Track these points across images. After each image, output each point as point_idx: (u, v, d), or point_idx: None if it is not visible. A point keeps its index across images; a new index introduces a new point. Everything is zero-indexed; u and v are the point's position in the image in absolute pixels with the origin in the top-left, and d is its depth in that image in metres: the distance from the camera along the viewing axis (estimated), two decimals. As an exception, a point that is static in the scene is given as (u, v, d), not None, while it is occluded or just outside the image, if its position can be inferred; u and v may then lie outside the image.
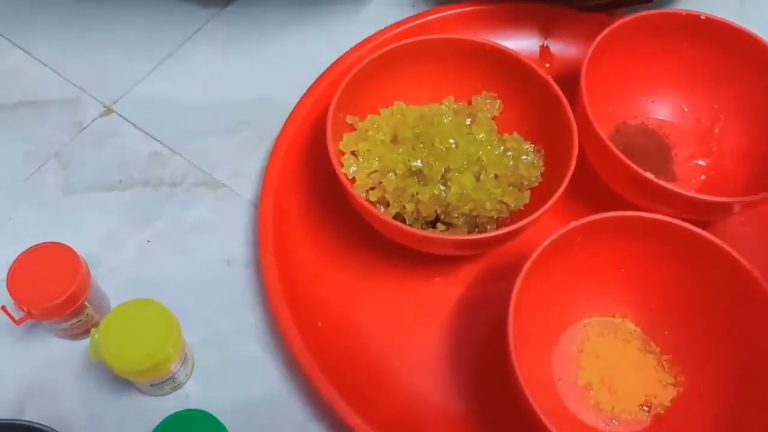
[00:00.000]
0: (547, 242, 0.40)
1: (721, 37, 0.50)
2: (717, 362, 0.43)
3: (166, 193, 0.51)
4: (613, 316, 0.46)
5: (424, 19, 0.56)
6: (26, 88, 0.55)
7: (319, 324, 0.44)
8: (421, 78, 0.49)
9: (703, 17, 0.50)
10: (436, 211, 0.45)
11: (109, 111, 0.54)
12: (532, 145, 0.48)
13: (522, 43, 0.56)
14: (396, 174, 0.46)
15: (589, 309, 0.46)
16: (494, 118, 0.50)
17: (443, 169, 0.45)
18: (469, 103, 0.50)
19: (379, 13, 0.58)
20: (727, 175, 0.51)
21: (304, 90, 0.52)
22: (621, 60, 0.51)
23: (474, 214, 0.45)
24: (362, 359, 0.44)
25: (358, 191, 0.46)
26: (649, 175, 0.44)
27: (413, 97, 0.49)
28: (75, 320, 0.43)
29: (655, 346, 0.45)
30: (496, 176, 0.46)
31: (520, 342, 0.40)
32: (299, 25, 0.58)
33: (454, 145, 0.46)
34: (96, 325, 0.44)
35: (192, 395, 0.44)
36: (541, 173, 0.47)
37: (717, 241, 0.41)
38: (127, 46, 0.57)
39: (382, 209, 0.46)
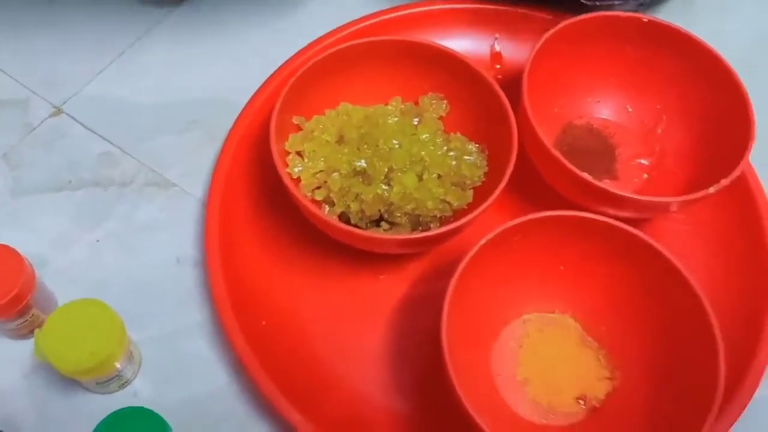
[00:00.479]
0: (483, 241, 0.42)
1: (663, 40, 0.51)
2: (650, 356, 0.44)
3: (117, 194, 0.51)
4: (553, 312, 0.47)
5: (376, 20, 0.56)
6: (-25, 89, 0.55)
7: (264, 323, 0.45)
8: (367, 79, 0.50)
9: (645, 20, 0.51)
10: (379, 210, 0.46)
11: (58, 111, 0.54)
12: (476, 146, 0.49)
13: (473, 45, 0.57)
14: (341, 174, 0.47)
15: (530, 305, 0.47)
16: (441, 118, 0.51)
17: (386, 169, 0.46)
18: (416, 103, 0.51)
19: (332, 13, 0.59)
20: (669, 174, 0.52)
21: (256, 90, 0.53)
22: (566, 61, 0.52)
23: (417, 213, 0.46)
24: (306, 357, 0.45)
25: (304, 191, 0.47)
26: (585, 175, 0.45)
27: (360, 98, 0.50)
28: (21, 321, 0.44)
29: (593, 341, 0.46)
30: (439, 176, 0.47)
31: (459, 338, 0.41)
32: (251, 25, 0.59)
33: (397, 146, 0.47)
34: (42, 325, 0.45)
35: (140, 393, 0.45)
36: (484, 173, 0.48)
37: (649, 240, 0.43)
38: (77, 46, 0.57)
39: (328, 209, 0.47)
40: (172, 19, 0.59)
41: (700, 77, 0.51)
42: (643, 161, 0.54)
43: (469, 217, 0.43)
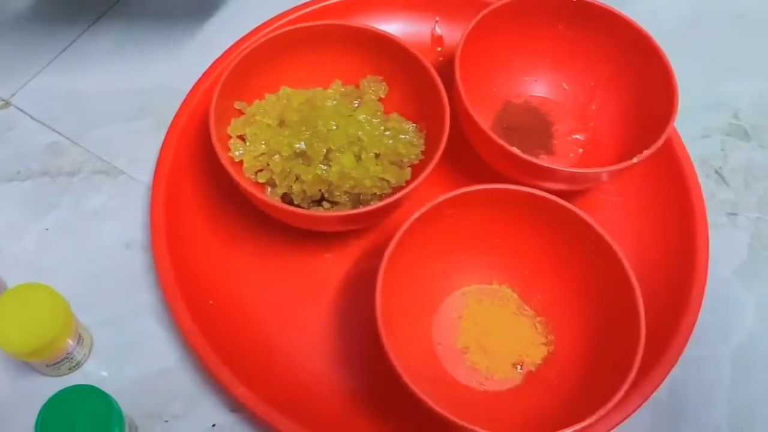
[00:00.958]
0: (416, 215, 0.43)
1: (594, 19, 0.53)
2: (581, 322, 0.46)
3: (65, 183, 0.52)
4: (491, 284, 0.49)
5: (319, 5, 0.57)
6: None
7: (211, 302, 0.46)
8: (308, 63, 0.51)
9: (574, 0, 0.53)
10: (320, 190, 0.48)
11: (6, 104, 0.55)
12: (413, 125, 0.50)
13: (414, 28, 0.58)
14: (281, 156, 0.48)
15: (468, 278, 0.49)
16: (381, 100, 0.52)
17: (325, 150, 0.47)
18: (357, 86, 0.53)
19: (276, 0, 0.60)
20: (602, 148, 0.54)
21: (200, 76, 0.54)
22: (501, 41, 0.54)
23: (356, 191, 0.48)
24: (253, 336, 0.47)
25: (247, 174, 0.48)
26: (515, 149, 0.47)
27: (301, 82, 0.52)
28: (-30, 308, 0.44)
29: (529, 310, 0.48)
30: (377, 155, 0.49)
31: (397, 310, 0.43)
32: (197, 13, 0.60)
33: (335, 127, 0.48)
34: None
35: (91, 374, 0.46)
36: (421, 151, 0.50)
37: (577, 211, 0.45)
38: (23, 38, 0.58)
39: (270, 190, 0.48)
40: (119, 9, 0.60)
41: (629, 54, 0.53)
42: (578, 136, 0.56)
43: (404, 191, 0.45)
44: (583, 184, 0.51)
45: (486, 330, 0.47)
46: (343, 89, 0.52)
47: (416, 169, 0.49)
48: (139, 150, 0.53)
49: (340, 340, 0.47)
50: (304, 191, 0.48)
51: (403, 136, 0.49)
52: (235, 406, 0.45)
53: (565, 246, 0.46)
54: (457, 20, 0.58)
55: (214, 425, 0.45)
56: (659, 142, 0.47)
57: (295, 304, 0.48)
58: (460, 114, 0.49)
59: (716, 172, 0.55)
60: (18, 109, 0.55)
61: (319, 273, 0.49)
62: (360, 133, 0.48)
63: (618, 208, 0.53)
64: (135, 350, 0.47)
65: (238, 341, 0.46)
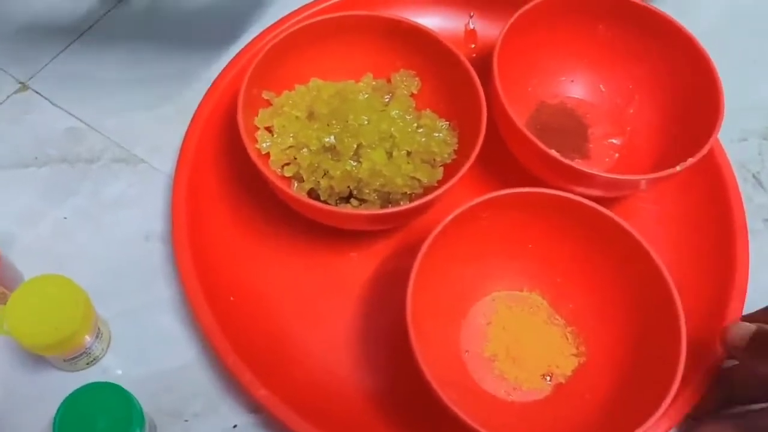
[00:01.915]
0: (450, 217, 0.42)
1: (634, 18, 0.52)
2: (616, 334, 0.44)
3: (84, 170, 0.51)
4: (521, 290, 0.47)
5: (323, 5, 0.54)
6: (-63, 66, 0.54)
7: (232, 298, 0.45)
8: (339, 55, 0.50)
9: None
10: (349, 187, 0.46)
11: (24, 87, 0.53)
12: (447, 123, 0.49)
13: (448, 23, 0.56)
14: (310, 150, 0.46)
15: (499, 283, 0.47)
16: (413, 95, 0.50)
17: (355, 146, 0.46)
18: (389, 80, 0.51)
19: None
20: (639, 153, 0.53)
21: (223, 61, 0.52)
22: (539, 39, 0.52)
23: (386, 190, 0.46)
24: (274, 333, 0.45)
25: (273, 167, 0.46)
26: (553, 152, 0.45)
27: (331, 73, 0.50)
28: (-15, 298, 0.43)
29: (560, 319, 0.46)
30: (409, 153, 0.47)
31: (426, 314, 0.42)
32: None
33: (366, 122, 0.47)
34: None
35: (109, 369, 0.45)
36: (454, 150, 0.48)
37: (615, 217, 0.43)
38: (43, 21, 0.56)
39: (297, 185, 0.47)
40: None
41: (671, 56, 0.51)
42: (614, 141, 0.54)
43: (437, 192, 0.43)
44: (621, 191, 0.49)
45: (515, 338, 0.46)
46: (374, 83, 0.50)
47: (447, 169, 0.48)
48: (160, 138, 0.52)
49: (364, 341, 0.46)
50: (331, 187, 0.46)
51: (437, 134, 0.48)
52: (256, 407, 0.44)
53: (600, 253, 0.45)
54: (492, 16, 0.56)
55: (235, 426, 0.43)
56: (704, 150, 0.45)
57: (319, 303, 0.47)
58: (495, 113, 0.48)
59: (754, 176, 0.53)
60: (36, 92, 0.53)
61: (344, 272, 0.48)
62: (393, 129, 0.47)
63: (654, 217, 0.51)
64: (154, 345, 0.46)
65: (260, 340, 0.44)
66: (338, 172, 0.45)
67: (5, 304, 0.41)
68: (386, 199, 0.47)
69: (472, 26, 0.57)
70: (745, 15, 0.61)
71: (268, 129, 0.47)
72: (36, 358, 0.44)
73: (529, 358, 0.45)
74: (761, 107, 0.57)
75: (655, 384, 0.40)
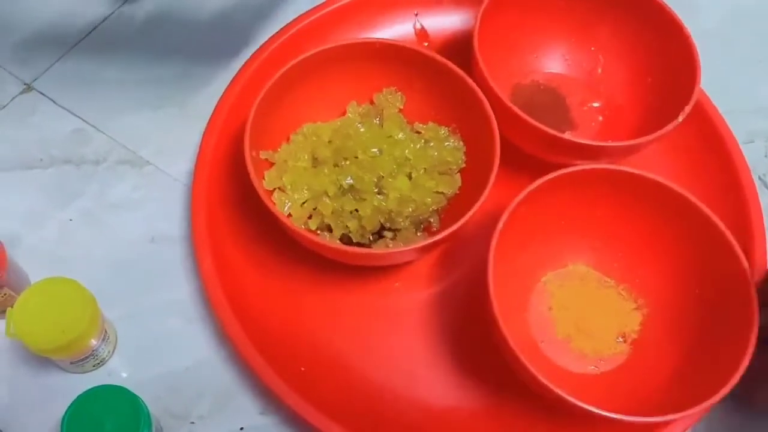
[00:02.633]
0: (500, 225, 0.42)
1: None
2: (668, 278, 0.46)
3: (89, 171, 0.51)
4: (566, 266, 0.48)
5: (300, 26, 0.53)
6: (-57, 66, 0.54)
7: (303, 369, 0.44)
8: (317, 91, 0.48)
9: None
10: (380, 221, 0.45)
11: (29, 88, 0.53)
12: (446, 128, 0.48)
13: (398, 29, 0.56)
14: (329, 196, 0.45)
15: (545, 266, 0.48)
16: (400, 110, 0.49)
17: (375, 179, 0.45)
18: (372, 102, 0.50)
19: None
20: (621, 111, 0.53)
21: (227, 63, 0.52)
22: (506, 21, 0.52)
23: (417, 213, 0.45)
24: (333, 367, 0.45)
25: (297, 224, 0.45)
26: (568, 135, 0.46)
27: (316, 112, 0.49)
28: (-8, 300, 0.43)
29: (610, 280, 0.47)
30: (425, 170, 0.47)
31: (501, 313, 0.41)
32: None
33: (378, 153, 0.46)
34: (14, 303, 0.44)
35: (115, 371, 0.45)
36: (464, 153, 0.48)
37: (640, 172, 0.44)
38: (47, 22, 0.56)
39: (328, 236, 0.46)
40: (145, -6, 0.58)
41: (624, 9, 0.52)
42: (594, 104, 0.54)
43: (480, 202, 0.42)
44: (629, 154, 0.49)
45: (579, 313, 0.47)
46: (361, 109, 0.49)
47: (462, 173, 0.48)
48: (165, 140, 0.52)
49: (421, 361, 0.46)
50: (363, 227, 0.45)
51: (447, 143, 0.47)
52: (264, 409, 0.44)
53: (632, 210, 0.46)
54: (435, 10, 0.56)
55: (242, 429, 0.43)
56: (694, 97, 0.46)
57: (369, 334, 0.46)
58: (493, 104, 0.46)
59: (760, 178, 0.53)
60: (41, 93, 0.53)
61: (390, 303, 0.47)
62: (406, 152, 0.46)
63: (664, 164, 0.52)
64: (159, 347, 0.46)
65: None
66: (368, 210, 0.44)
67: (12, 306, 0.41)
68: (418, 221, 0.46)
69: (419, 26, 0.56)
70: (749, 16, 0.61)
71: (280, 189, 0.46)
72: (42, 360, 0.44)
73: (599, 327, 0.46)
74: (767, 109, 0.57)
75: (730, 322, 0.41)
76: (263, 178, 0.45)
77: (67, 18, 0.56)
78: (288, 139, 0.48)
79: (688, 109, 0.46)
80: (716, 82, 0.56)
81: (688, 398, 0.39)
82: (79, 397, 0.39)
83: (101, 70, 0.54)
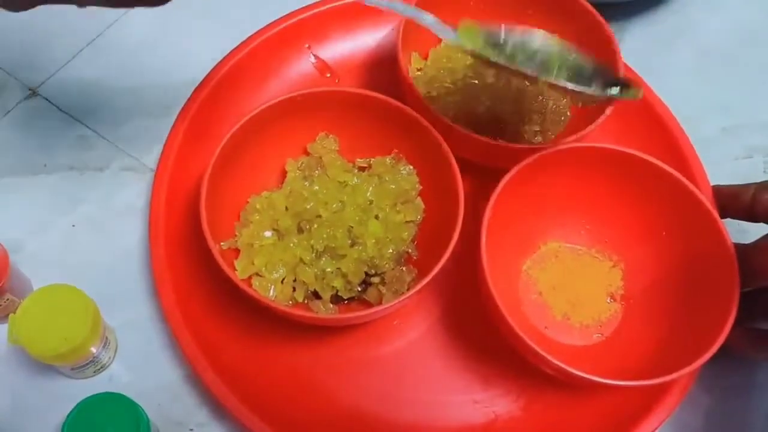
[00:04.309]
0: (483, 231, 0.42)
1: None
2: (633, 230, 0.47)
3: (93, 178, 0.51)
4: (539, 248, 0.49)
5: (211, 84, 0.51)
6: (-51, 70, 0.54)
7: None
8: (255, 161, 0.47)
9: None
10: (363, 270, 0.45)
11: (34, 94, 0.54)
12: (391, 157, 0.48)
13: (298, 67, 0.54)
14: (305, 263, 0.45)
15: (523, 255, 0.49)
16: (337, 152, 0.49)
17: (348, 231, 0.45)
18: (306, 153, 0.49)
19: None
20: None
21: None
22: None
23: (396, 250, 0.45)
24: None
25: (282, 301, 0.44)
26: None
27: (257, 181, 0.48)
28: (-6, 305, 0.43)
29: (581, 248, 0.49)
30: (389, 206, 0.46)
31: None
32: (231, 8, 0.58)
33: (341, 206, 0.46)
34: (16, 309, 0.44)
35: (115, 377, 0.45)
36: (417, 175, 0.47)
37: (633, 152, 0.45)
38: (52, 29, 0.56)
39: (320, 303, 0.45)
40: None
41: (571, 24, 0.51)
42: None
43: (457, 230, 0.42)
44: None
45: (567, 289, 0.48)
46: (299, 164, 0.48)
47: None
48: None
49: (440, 389, 0.46)
50: (349, 282, 0.45)
51: (400, 172, 0.47)
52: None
53: (589, 180, 0.47)
54: (325, 40, 0.55)
55: (241, 437, 0.44)
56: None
57: (381, 380, 0.46)
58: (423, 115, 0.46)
59: (759, 193, 0.54)
60: (46, 99, 0.53)
61: (395, 342, 0.47)
62: (368, 194, 0.46)
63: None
64: (159, 354, 0.46)
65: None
66: (351, 266, 0.44)
67: (14, 312, 0.41)
68: (399, 257, 0.46)
69: (313, 59, 0.55)
70: (752, 33, 0.61)
71: (257, 274, 0.45)
72: (43, 366, 0.44)
73: (588, 294, 0.47)
74: (766, 125, 0.57)
75: (710, 275, 0.43)
76: (234, 268, 0.44)
77: (72, 24, 0.56)
78: (238, 218, 0.47)
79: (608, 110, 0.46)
80: (717, 98, 0.57)
81: (687, 351, 0.40)
82: (79, 404, 0.39)
83: (106, 78, 0.54)
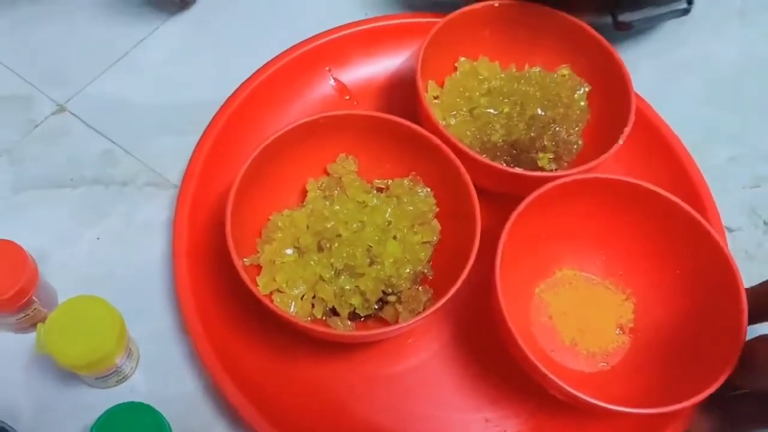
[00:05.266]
0: (499, 254, 0.43)
1: (546, 20, 0.54)
2: (647, 264, 0.48)
3: (117, 192, 0.52)
4: (554, 274, 0.50)
5: (235, 105, 0.53)
6: (-22, 84, 0.56)
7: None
8: (277, 180, 0.49)
9: (496, 4, 0.54)
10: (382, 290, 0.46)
11: (62, 109, 0.55)
12: (408, 179, 0.49)
13: (318, 88, 0.56)
14: (325, 280, 0.46)
15: (536, 279, 0.50)
16: (356, 173, 0.50)
17: (367, 250, 0.46)
18: (326, 173, 0.51)
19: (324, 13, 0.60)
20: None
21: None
22: (451, 52, 0.54)
23: (413, 270, 0.47)
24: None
25: (302, 318, 0.46)
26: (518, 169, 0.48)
27: (278, 200, 0.49)
28: (22, 315, 0.45)
29: (595, 278, 0.50)
30: (407, 227, 0.48)
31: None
32: (255, 29, 0.60)
33: (361, 225, 0.47)
34: (44, 319, 0.46)
35: (137, 387, 0.46)
36: (433, 197, 0.49)
37: (650, 186, 0.46)
38: (81, 45, 0.58)
39: (338, 320, 0.46)
40: (178, 20, 0.60)
41: (585, 55, 0.54)
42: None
43: (474, 250, 0.43)
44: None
45: (578, 316, 0.49)
46: (319, 184, 0.50)
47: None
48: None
49: (455, 407, 0.47)
50: (367, 300, 0.46)
51: (418, 194, 0.48)
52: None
53: (605, 210, 0.48)
54: (346, 64, 0.57)
55: (259, 448, 0.45)
56: (630, 122, 0.48)
57: (398, 399, 0.47)
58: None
59: (765, 223, 0.55)
60: (73, 114, 0.55)
61: (410, 359, 0.48)
62: (386, 215, 0.47)
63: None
64: (179, 366, 0.47)
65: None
66: (370, 284, 0.45)
67: (41, 321, 0.42)
68: (415, 277, 0.47)
69: (333, 82, 0.57)
70: (760, 63, 0.63)
71: (278, 290, 0.46)
72: (67, 375, 0.45)
73: (598, 324, 0.49)
74: (774, 155, 0.59)
75: (719, 309, 0.44)
76: (255, 283, 0.45)
77: (100, 42, 0.58)
78: (259, 235, 0.48)
79: (627, 130, 0.48)
80: (725, 127, 0.59)
81: (692, 384, 0.41)
82: (105, 412, 0.40)
83: (132, 94, 0.56)
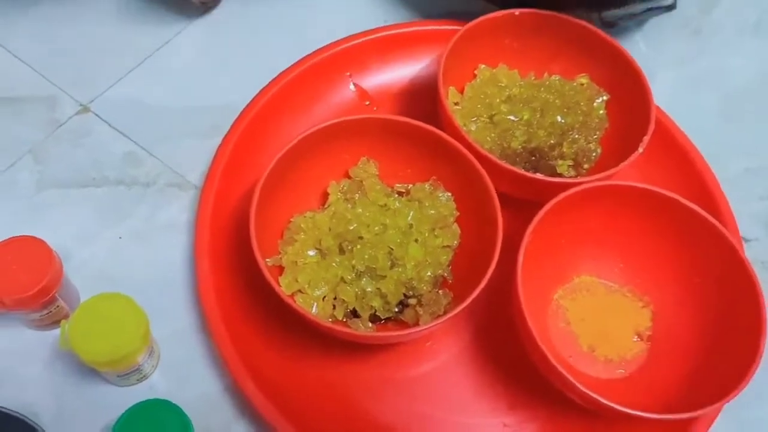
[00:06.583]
0: (522, 250, 0.44)
1: (566, 31, 0.54)
2: (665, 272, 0.49)
3: (139, 192, 0.53)
4: (572, 280, 0.50)
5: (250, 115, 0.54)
6: (4, 85, 0.56)
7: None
8: (300, 182, 0.49)
9: (517, 13, 0.54)
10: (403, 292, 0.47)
11: (85, 110, 0.56)
12: (428, 183, 0.50)
13: (338, 94, 0.57)
14: (346, 282, 0.46)
15: (555, 284, 0.50)
16: (377, 176, 0.51)
17: (388, 253, 0.46)
18: (347, 176, 0.51)
19: (343, 19, 0.61)
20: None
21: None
22: (471, 59, 0.55)
23: (434, 273, 0.47)
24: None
25: (323, 318, 0.46)
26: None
27: (300, 202, 0.50)
28: (45, 312, 0.45)
29: (614, 285, 0.50)
30: (428, 230, 0.48)
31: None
32: (278, 32, 0.61)
33: (383, 228, 0.47)
34: (66, 316, 0.46)
35: (157, 386, 0.46)
36: (454, 201, 0.49)
37: (669, 194, 0.47)
38: (105, 47, 0.59)
39: (360, 325, 0.46)
40: (200, 24, 0.61)
41: (603, 65, 0.54)
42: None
43: (496, 254, 0.44)
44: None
45: (596, 322, 0.49)
46: (341, 187, 0.50)
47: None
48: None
49: (476, 412, 0.47)
50: (387, 302, 0.46)
51: (439, 198, 0.49)
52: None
53: (623, 217, 0.48)
54: (365, 70, 0.57)
55: (278, 448, 0.45)
56: (649, 131, 0.49)
57: (415, 402, 0.47)
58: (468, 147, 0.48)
59: (779, 233, 0.55)
60: (96, 115, 0.56)
61: (429, 362, 0.48)
62: (408, 219, 0.48)
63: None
64: (199, 365, 0.47)
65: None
66: (391, 286, 0.46)
67: (64, 318, 0.43)
68: (435, 280, 0.47)
69: (353, 87, 0.57)
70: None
71: (300, 291, 0.47)
72: (88, 372, 0.46)
73: (617, 331, 0.49)
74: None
75: (738, 315, 0.44)
76: (278, 284, 0.45)
77: (124, 45, 0.59)
78: (280, 236, 0.48)
79: (646, 138, 0.49)
80: (742, 139, 0.59)
81: (711, 389, 0.41)
82: (128, 409, 0.40)
83: (155, 96, 0.57)
